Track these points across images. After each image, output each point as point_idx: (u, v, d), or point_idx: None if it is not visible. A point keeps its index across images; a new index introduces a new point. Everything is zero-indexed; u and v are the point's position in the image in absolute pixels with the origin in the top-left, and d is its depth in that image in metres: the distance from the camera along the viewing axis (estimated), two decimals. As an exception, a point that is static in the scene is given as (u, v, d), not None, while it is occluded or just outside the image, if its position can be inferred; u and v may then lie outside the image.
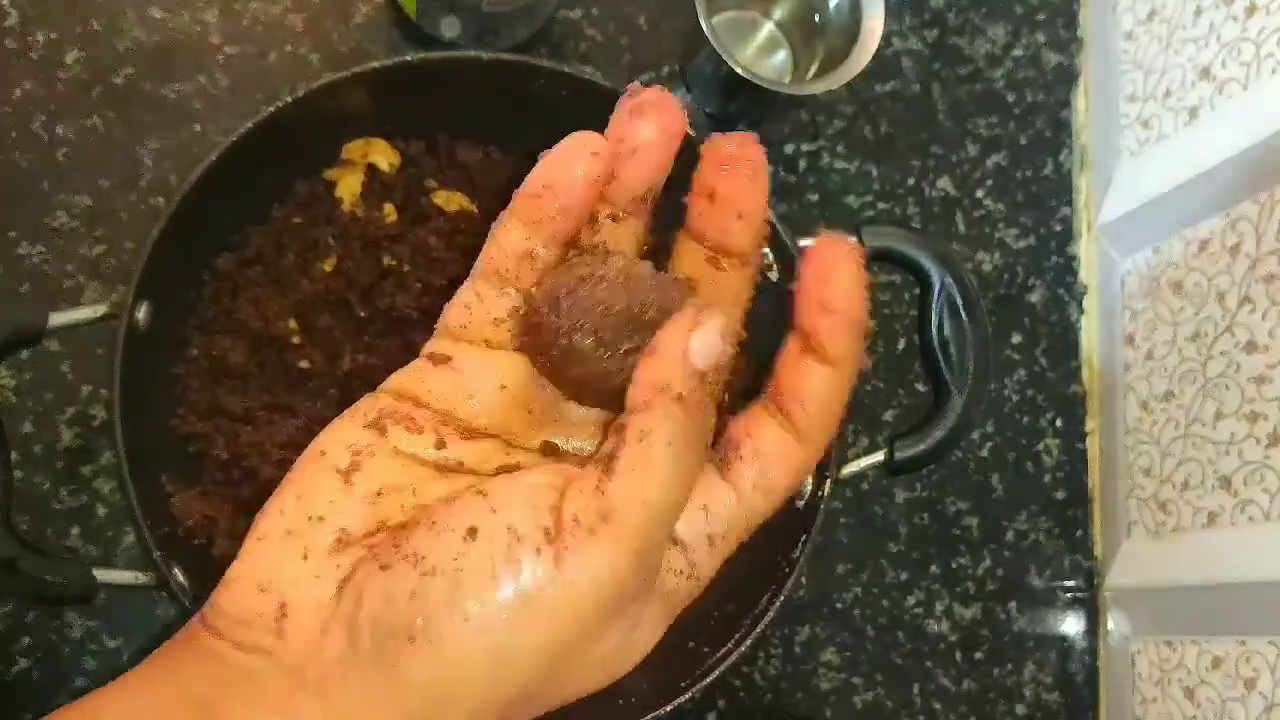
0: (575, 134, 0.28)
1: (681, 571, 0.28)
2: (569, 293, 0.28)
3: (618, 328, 0.28)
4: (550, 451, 0.30)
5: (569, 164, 0.28)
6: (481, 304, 0.30)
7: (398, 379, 0.30)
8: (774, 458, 0.29)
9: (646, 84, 0.72)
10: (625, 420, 0.26)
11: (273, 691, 0.26)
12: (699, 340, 0.26)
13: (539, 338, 0.29)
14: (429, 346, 0.30)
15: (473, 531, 0.25)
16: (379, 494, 0.28)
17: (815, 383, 0.28)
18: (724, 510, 0.28)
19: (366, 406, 0.29)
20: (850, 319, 0.28)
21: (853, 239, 0.29)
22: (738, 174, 0.29)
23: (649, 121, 0.29)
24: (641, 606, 0.27)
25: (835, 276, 0.28)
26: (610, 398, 0.29)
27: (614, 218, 0.30)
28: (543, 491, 0.26)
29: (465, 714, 0.25)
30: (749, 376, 0.59)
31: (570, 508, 0.26)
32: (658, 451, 0.26)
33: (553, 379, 0.30)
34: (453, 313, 0.30)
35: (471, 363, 0.30)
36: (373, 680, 0.25)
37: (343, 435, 0.28)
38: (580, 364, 0.28)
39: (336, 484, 0.28)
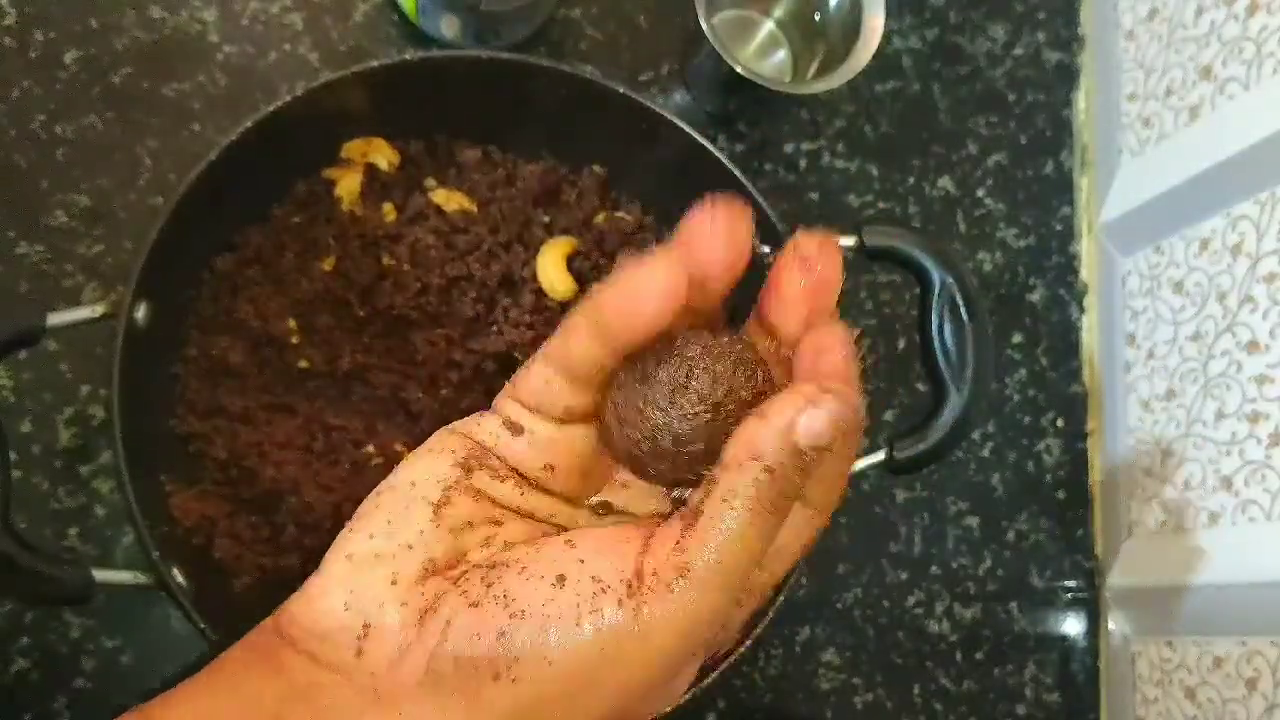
0: (653, 264, 0.27)
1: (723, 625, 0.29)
2: (656, 408, 0.28)
3: (699, 434, 0.28)
4: (606, 510, 0.32)
5: (644, 300, 0.28)
6: (554, 391, 0.30)
7: (474, 429, 0.31)
8: (789, 531, 0.29)
9: (646, 83, 0.71)
10: (715, 476, 0.27)
11: (344, 708, 0.26)
12: (809, 419, 0.26)
13: (620, 443, 0.29)
14: (505, 410, 0.31)
15: (561, 579, 0.26)
16: (463, 529, 0.29)
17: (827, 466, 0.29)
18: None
19: (453, 444, 0.30)
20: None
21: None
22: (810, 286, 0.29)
23: (719, 243, 0.28)
24: (709, 646, 0.28)
25: (826, 365, 0.28)
26: (675, 481, 0.30)
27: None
28: (628, 542, 0.27)
29: None
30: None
31: (651, 562, 0.27)
32: (739, 516, 0.26)
33: (623, 460, 0.30)
34: (527, 388, 0.30)
35: (546, 436, 0.30)
36: (450, 708, 0.26)
37: (434, 469, 0.29)
38: (656, 464, 0.29)
39: (428, 515, 0.29)
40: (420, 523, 0.28)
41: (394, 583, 0.27)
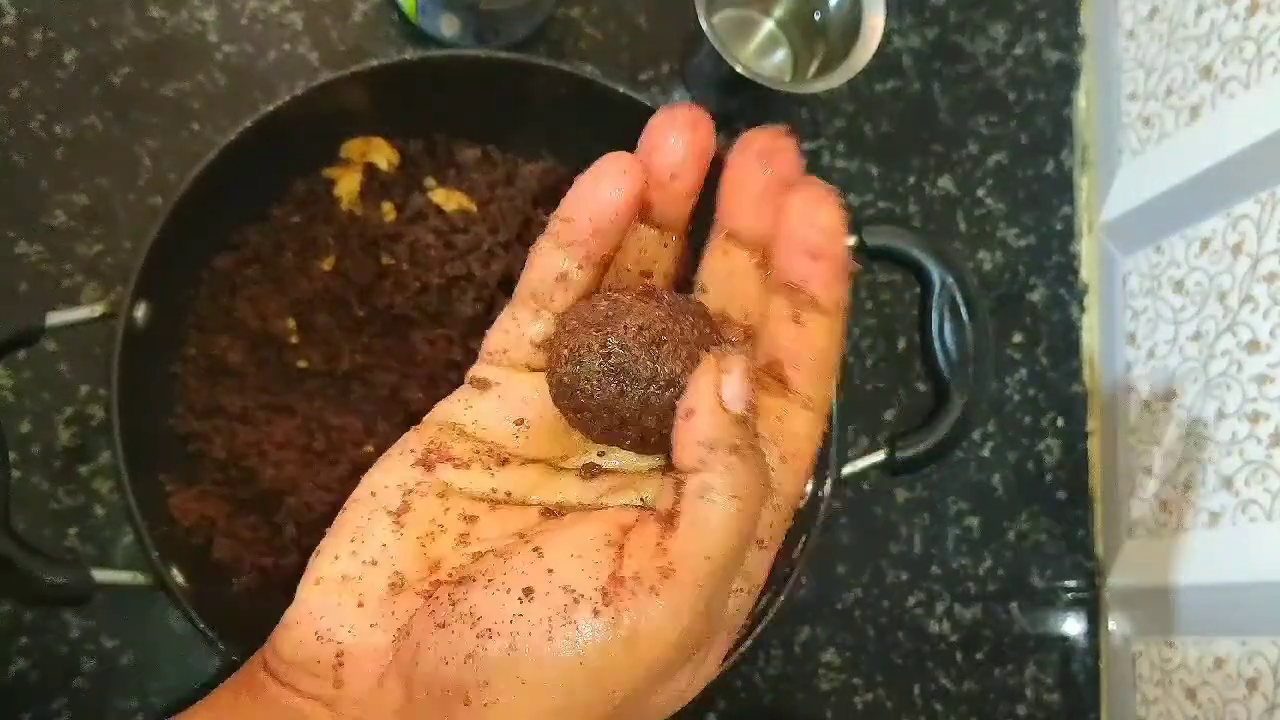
0: (609, 155, 0.28)
1: (741, 589, 0.28)
2: (592, 332, 0.28)
3: (641, 364, 0.27)
4: (592, 472, 0.30)
5: (602, 185, 0.28)
6: (519, 328, 0.30)
7: (443, 409, 0.30)
8: (788, 432, 0.28)
9: (645, 83, 0.71)
10: (681, 477, 0.26)
11: None
12: (730, 389, 0.26)
13: (563, 379, 0.28)
14: (472, 371, 0.30)
15: (529, 592, 0.25)
16: (431, 535, 0.28)
17: (815, 338, 0.28)
18: (764, 510, 0.27)
19: (414, 441, 0.29)
20: (839, 259, 0.28)
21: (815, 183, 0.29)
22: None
23: (681, 138, 0.28)
24: (709, 641, 0.27)
25: (819, 218, 0.28)
26: (637, 440, 0.28)
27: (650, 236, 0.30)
28: (599, 546, 0.26)
29: None
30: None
31: (631, 564, 0.25)
32: (722, 507, 0.25)
33: (580, 426, 0.29)
34: (493, 338, 0.30)
35: (513, 387, 0.30)
36: None
37: (392, 475, 0.28)
38: (603, 407, 0.28)
39: (389, 527, 0.28)
40: (382, 536, 0.27)
41: (361, 605, 0.27)
